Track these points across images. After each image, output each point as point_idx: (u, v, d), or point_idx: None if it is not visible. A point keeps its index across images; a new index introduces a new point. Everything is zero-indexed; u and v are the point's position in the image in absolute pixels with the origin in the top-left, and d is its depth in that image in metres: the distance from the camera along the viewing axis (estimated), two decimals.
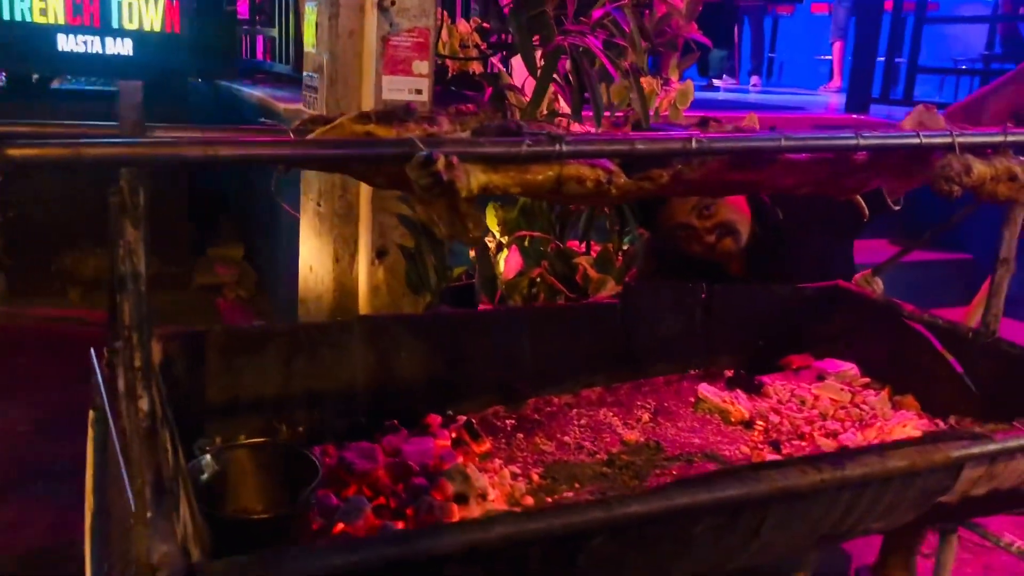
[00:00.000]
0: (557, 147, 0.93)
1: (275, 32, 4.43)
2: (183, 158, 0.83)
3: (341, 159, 0.90)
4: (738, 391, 1.82)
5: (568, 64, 2.30)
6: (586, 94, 2.25)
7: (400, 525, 1.33)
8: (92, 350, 1.47)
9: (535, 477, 1.50)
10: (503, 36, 2.39)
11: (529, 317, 1.76)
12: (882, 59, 4.87)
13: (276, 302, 3.95)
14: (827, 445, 1.66)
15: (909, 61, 5.12)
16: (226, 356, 1.52)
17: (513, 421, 1.67)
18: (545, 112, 2.37)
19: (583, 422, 1.69)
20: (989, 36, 6.25)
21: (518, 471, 1.52)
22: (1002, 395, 1.72)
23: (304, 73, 2.41)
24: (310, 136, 1.11)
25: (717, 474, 1.09)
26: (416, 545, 0.87)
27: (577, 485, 1.49)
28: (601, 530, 0.96)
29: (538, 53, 2.28)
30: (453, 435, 1.58)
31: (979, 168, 1.14)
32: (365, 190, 2.26)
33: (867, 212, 1.82)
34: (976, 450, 1.24)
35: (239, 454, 1.29)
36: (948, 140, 1.14)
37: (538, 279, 2.54)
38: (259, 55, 5.23)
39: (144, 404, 0.90)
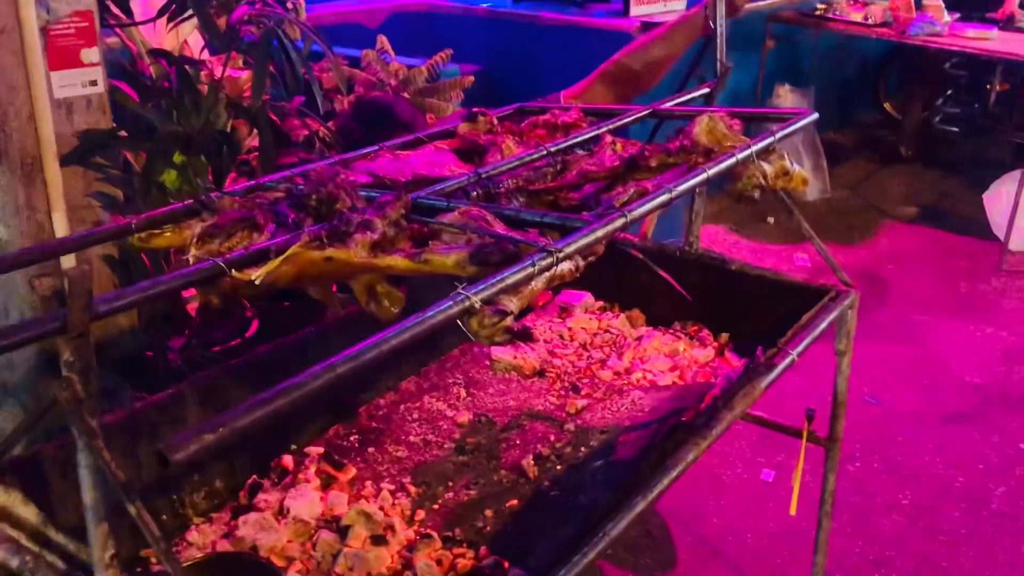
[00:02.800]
0: (556, 257, 1.01)
1: None
2: None
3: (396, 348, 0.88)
4: (517, 343, 2.03)
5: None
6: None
7: None
8: None
9: (410, 488, 1.60)
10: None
11: (337, 328, 1.77)
12: None
13: None
14: (606, 376, 1.96)
15: None
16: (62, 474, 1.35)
17: (356, 436, 1.71)
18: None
19: (415, 416, 1.79)
20: None
21: (392, 487, 1.59)
22: (709, 298, 2.15)
23: None
24: (261, 270, 1.04)
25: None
26: None
27: (450, 483, 1.62)
28: None
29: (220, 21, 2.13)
30: (313, 469, 1.59)
31: (770, 171, 1.44)
32: (59, 203, 1.97)
33: None
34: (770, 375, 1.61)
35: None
36: (750, 152, 1.41)
37: None
38: None
39: None
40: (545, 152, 1.52)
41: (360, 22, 4.66)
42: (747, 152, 1.42)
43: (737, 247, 5.38)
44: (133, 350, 2.14)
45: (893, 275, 4.73)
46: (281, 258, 1.04)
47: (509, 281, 0.97)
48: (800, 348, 1.71)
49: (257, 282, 1.03)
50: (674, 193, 1.25)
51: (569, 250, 1.05)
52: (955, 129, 6.60)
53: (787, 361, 1.67)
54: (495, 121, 1.76)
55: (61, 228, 1.98)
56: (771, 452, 3.06)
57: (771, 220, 5.42)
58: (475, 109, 1.74)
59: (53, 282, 0.92)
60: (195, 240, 1.09)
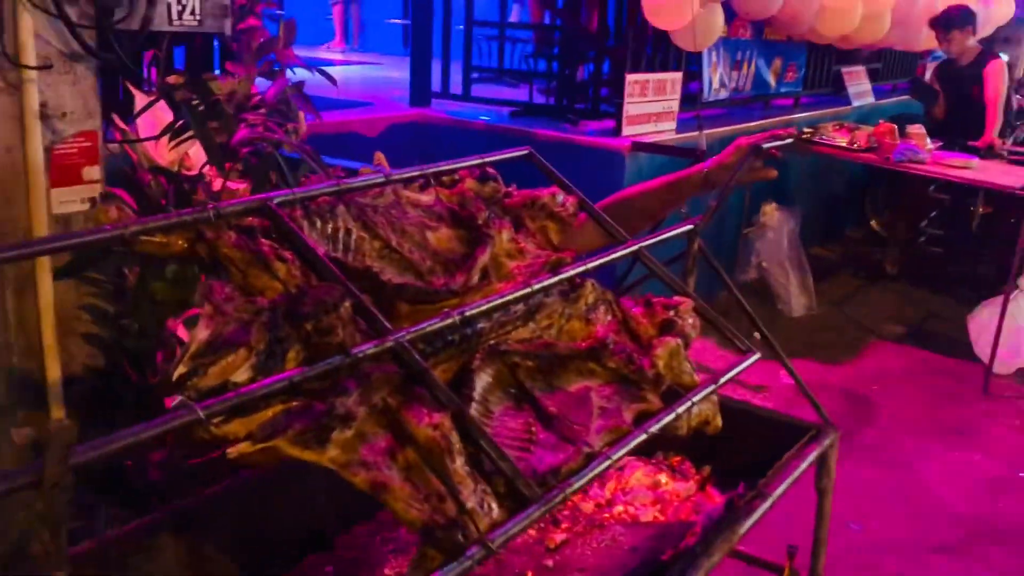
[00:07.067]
0: (490, 550, 1.09)
1: None
2: None
3: None
4: None
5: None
6: None
7: None
8: None
9: None
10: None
11: None
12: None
13: None
14: (588, 509, 1.96)
15: (464, 62, 5.62)
16: None
17: (331, 568, 1.69)
18: None
19: (390, 548, 1.77)
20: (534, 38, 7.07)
21: None
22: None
23: None
24: (236, 448, 1.08)
25: None
26: None
27: None
28: None
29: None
30: None
31: (696, 418, 1.55)
32: (49, 317, 1.98)
33: None
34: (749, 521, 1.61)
35: None
36: (689, 405, 1.51)
37: None
38: None
39: None
40: (529, 291, 1.55)
41: (360, 132, 4.78)
42: (686, 406, 1.49)
43: (724, 360, 5.42)
44: (112, 463, 2.13)
45: (878, 395, 4.75)
46: (258, 447, 1.06)
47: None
48: (780, 490, 1.71)
49: (230, 457, 1.05)
50: (612, 460, 1.32)
51: (502, 540, 1.11)
52: (939, 250, 6.73)
53: (767, 504, 1.67)
54: (501, 191, 1.78)
55: (50, 341, 2.00)
56: None
57: (756, 336, 5.48)
58: (489, 169, 1.77)
59: (32, 433, 0.93)
60: (187, 358, 1.11)
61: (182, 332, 2.38)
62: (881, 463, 3.96)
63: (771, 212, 5.78)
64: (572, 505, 1.96)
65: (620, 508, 1.94)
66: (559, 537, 1.83)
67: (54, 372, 2.02)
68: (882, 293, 6.44)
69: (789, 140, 2.26)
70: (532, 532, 1.86)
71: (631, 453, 1.46)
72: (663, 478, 2.04)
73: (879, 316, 5.97)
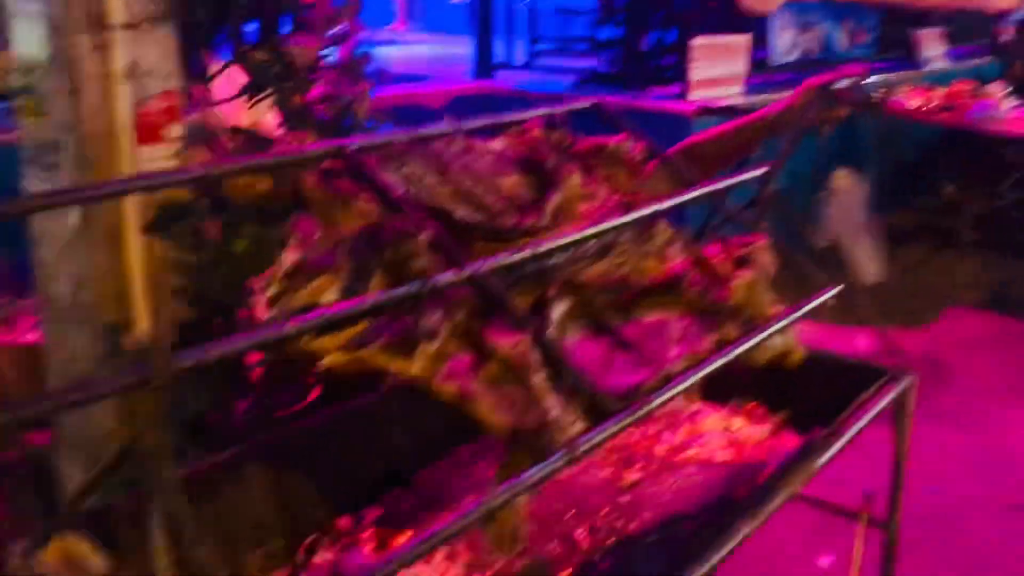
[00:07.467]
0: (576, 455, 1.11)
1: None
2: None
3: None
4: None
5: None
6: None
7: None
8: None
9: (464, 555, 1.61)
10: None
11: (397, 396, 1.81)
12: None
13: None
14: (661, 451, 1.97)
15: (528, 30, 5.63)
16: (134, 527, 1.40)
17: (412, 502, 1.74)
18: None
19: (467, 484, 1.81)
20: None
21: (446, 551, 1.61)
22: (765, 376, 2.15)
23: (26, 147, 2.10)
24: (328, 358, 1.12)
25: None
26: None
27: None
28: None
29: None
30: (370, 531, 1.63)
31: (772, 348, 1.54)
32: (138, 270, 2.07)
33: None
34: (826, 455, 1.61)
35: None
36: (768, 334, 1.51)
37: None
38: None
39: None
40: (603, 228, 1.56)
41: (425, 104, 4.83)
42: (766, 333, 1.50)
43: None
44: (197, 411, 2.21)
45: (957, 361, 4.63)
46: (348, 356, 1.11)
47: (533, 480, 1.07)
48: (856, 428, 1.71)
49: (323, 366, 1.10)
50: (691, 380, 1.35)
51: (587, 447, 1.14)
52: (1019, 215, 6.51)
53: (843, 441, 1.66)
54: (568, 139, 1.81)
55: (139, 294, 2.08)
56: (830, 537, 2.99)
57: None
58: (558, 117, 1.80)
59: (139, 338, 0.99)
60: (280, 278, 1.17)
61: None
62: (960, 427, 3.87)
63: (843, 178, 5.66)
64: (645, 448, 1.98)
65: (694, 451, 1.95)
66: (633, 476, 1.85)
67: (144, 327, 2.10)
68: (957, 260, 6.25)
69: (860, 79, 2.23)
70: (607, 472, 1.89)
71: (707, 383, 1.48)
72: (737, 423, 2.04)
73: (956, 283, 5.81)
